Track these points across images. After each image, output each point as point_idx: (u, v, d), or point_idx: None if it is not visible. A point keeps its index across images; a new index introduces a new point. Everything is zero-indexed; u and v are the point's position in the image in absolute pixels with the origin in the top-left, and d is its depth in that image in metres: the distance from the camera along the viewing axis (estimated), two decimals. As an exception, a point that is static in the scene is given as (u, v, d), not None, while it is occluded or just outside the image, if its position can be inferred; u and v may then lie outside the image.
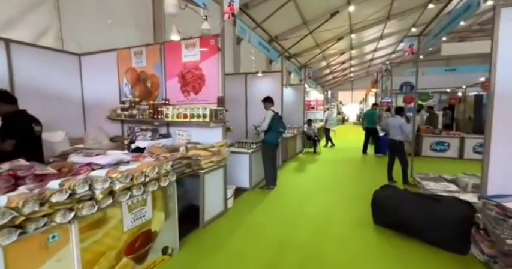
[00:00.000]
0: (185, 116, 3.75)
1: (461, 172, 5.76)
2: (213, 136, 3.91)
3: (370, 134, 9.16)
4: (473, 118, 10.04)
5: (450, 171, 6.77)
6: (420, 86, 9.21)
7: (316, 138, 9.33)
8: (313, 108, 14.37)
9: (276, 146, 5.24)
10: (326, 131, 10.53)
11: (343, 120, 26.24)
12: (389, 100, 12.75)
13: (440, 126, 10.05)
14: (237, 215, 3.94)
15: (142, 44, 4.42)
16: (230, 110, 7.74)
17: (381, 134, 9.05)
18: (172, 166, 2.77)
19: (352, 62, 24.89)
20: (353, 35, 17.83)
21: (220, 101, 3.80)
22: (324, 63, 22.88)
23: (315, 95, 14.25)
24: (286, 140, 7.82)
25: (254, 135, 6.36)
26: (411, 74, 8.57)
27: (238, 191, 4.90)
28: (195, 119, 3.69)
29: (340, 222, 3.72)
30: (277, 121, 4.94)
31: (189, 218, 3.37)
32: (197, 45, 3.93)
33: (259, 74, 6.82)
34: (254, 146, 5.18)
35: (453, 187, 4.72)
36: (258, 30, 7.76)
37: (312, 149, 9.46)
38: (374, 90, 14.59)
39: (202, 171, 3.32)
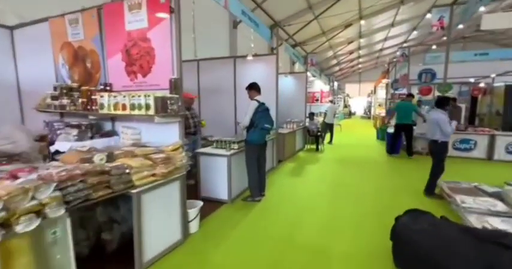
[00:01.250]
0: (123, 107, 2.55)
1: (498, 179, 4.47)
2: (170, 135, 2.72)
3: (403, 131, 7.20)
4: (502, 112, 8.56)
5: (481, 176, 5.46)
6: (441, 75, 7.81)
7: (319, 134, 8.05)
8: (317, 100, 13.01)
9: (263, 146, 4.01)
10: (329, 127, 9.21)
11: (350, 114, 24.71)
12: (403, 91, 11.30)
13: (462, 121, 8.63)
14: (199, 246, 2.77)
15: (78, 9, 3.20)
16: (215, 101, 6.62)
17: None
18: (63, 188, 1.60)
19: (361, 52, 23.17)
20: (362, 22, 16.17)
21: (174, 86, 2.58)
22: (330, 53, 21.28)
23: (319, 85, 12.84)
24: (283, 137, 6.58)
25: (243, 132, 5.15)
26: (432, 59, 7.16)
27: (214, 205, 3.74)
28: (136, 112, 2.49)
29: (344, 260, 2.52)
30: (261, 115, 3.71)
31: (128, 254, 2.24)
32: (143, 5, 2.69)
33: (249, 58, 5.55)
34: (236, 146, 3.98)
35: (500, 206, 3.44)
36: (259, 12, 6.42)
37: (314, 147, 8.20)
38: (385, 81, 13.10)
39: (134, 190, 2.15)
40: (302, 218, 3.49)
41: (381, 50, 24.29)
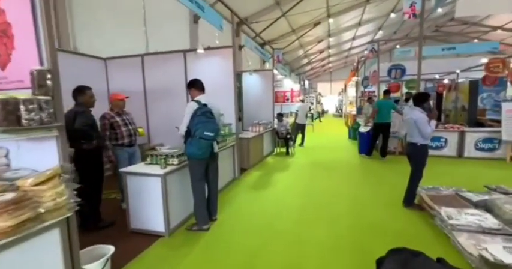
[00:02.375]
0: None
1: (475, 179, 3.97)
2: (45, 157, 1.75)
3: (381, 131, 6.58)
4: (467, 108, 8.39)
5: (456, 176, 5.03)
6: (409, 72, 7.43)
7: (288, 136, 7.32)
8: (288, 100, 12.36)
9: (212, 159, 3.13)
10: (300, 128, 8.54)
11: (323, 112, 24.55)
12: (372, 89, 10.96)
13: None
14: None
15: None
16: (165, 104, 5.59)
17: (363, 130, 7.17)
18: None
19: (331, 51, 23.05)
20: (331, 20, 15.84)
21: (38, 83, 1.62)
22: (301, 52, 20.88)
23: (289, 84, 12.21)
24: (247, 142, 5.74)
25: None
26: (402, 54, 6.71)
27: (147, 239, 2.80)
28: (-29, 125, 1.50)
29: None
30: (201, 120, 2.82)
31: None
32: (-10, -43, 1.70)
33: (200, 51, 4.64)
34: (175, 161, 3.06)
35: (490, 220, 2.86)
36: (221, 7, 5.44)
37: (284, 150, 7.46)
38: (354, 79, 12.76)
39: None
40: (263, 248, 2.66)
41: (350, 49, 24.39)
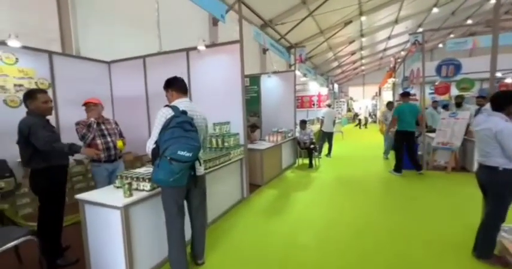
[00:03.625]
0: None
1: None
2: None
3: (405, 141, 5.40)
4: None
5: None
6: (466, 68, 5.97)
7: (312, 147, 6.26)
8: (314, 105, 11.25)
9: (192, 186, 2.26)
10: (327, 136, 7.41)
11: (354, 118, 22.74)
12: (412, 91, 9.41)
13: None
14: None
15: None
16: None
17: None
18: None
19: (363, 52, 21.35)
20: (363, 18, 14.45)
21: None
22: (330, 54, 19.53)
23: (315, 88, 11.12)
24: (260, 155, 4.84)
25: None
26: (455, 46, 5.33)
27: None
28: None
29: None
30: (174, 133, 1.94)
31: None
32: None
33: (200, 48, 3.89)
34: (147, 186, 2.27)
35: None
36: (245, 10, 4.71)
37: (307, 161, 6.41)
38: (391, 80, 11.24)
39: None
40: None
41: (385, 50, 22.44)
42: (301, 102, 11.67)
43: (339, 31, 14.57)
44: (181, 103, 2.17)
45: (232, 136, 3.82)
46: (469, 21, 18.06)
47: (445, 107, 6.96)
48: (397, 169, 5.46)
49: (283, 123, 6.54)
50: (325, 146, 7.63)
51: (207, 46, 3.98)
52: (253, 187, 4.74)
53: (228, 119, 4.01)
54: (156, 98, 4.64)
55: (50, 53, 4.13)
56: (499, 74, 8.17)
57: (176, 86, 2.25)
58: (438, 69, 5.41)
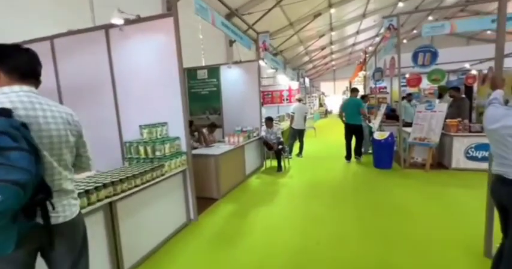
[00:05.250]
0: None
1: None
2: None
3: (353, 133, 5.90)
4: (513, 104, 6.34)
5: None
6: (442, 57, 5.45)
7: (280, 147, 5.42)
8: (286, 100, 10.48)
9: (30, 251, 1.17)
10: (298, 134, 6.63)
11: (326, 113, 22.53)
12: (383, 84, 8.97)
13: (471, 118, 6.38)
14: None
15: None
16: (90, 108, 3.16)
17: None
18: None
19: (333, 47, 21.06)
20: (332, 10, 13.91)
21: None
22: (301, 49, 18.94)
23: (284, 81, 10.35)
24: (215, 161, 3.87)
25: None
26: (432, 31, 4.72)
27: None
28: None
29: None
30: None
31: None
32: None
33: (115, 21, 2.82)
34: None
35: None
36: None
37: (275, 164, 5.55)
38: (361, 73, 10.77)
39: None
40: None
41: (354, 44, 22.36)
42: (272, 97, 10.85)
43: (309, 24, 13.90)
44: (9, 95, 1.13)
45: (168, 142, 2.81)
46: (430, 18, 18.33)
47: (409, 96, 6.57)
48: (347, 156, 5.97)
49: (247, 122, 5.62)
50: (296, 144, 6.86)
51: (128, 21, 2.91)
52: (208, 202, 3.78)
53: (164, 119, 3.00)
54: (72, 93, 3.47)
55: None
56: (467, 65, 7.92)
57: (5, 61, 1.19)
58: (415, 56, 4.80)
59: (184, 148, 3.05)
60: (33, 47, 3.07)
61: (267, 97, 10.79)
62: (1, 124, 0.98)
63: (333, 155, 6.89)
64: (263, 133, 5.52)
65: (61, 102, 3.54)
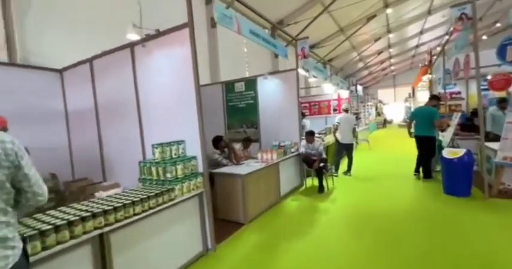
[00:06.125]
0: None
1: None
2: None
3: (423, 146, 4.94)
4: None
5: None
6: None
7: (322, 165, 4.74)
8: (335, 110, 9.60)
9: None
10: (345, 149, 5.80)
11: (385, 123, 20.24)
12: (456, 88, 7.45)
13: None
14: None
15: None
16: (117, 125, 3.06)
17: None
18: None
19: (392, 50, 19.06)
20: (389, 11, 12.60)
21: None
22: (354, 55, 17.64)
23: (331, 90, 9.51)
24: (242, 181, 3.47)
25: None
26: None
27: None
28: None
29: None
30: None
31: None
32: None
33: (130, 36, 2.73)
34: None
35: None
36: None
37: (317, 184, 4.87)
38: (427, 77, 9.21)
39: None
40: None
41: (417, 46, 19.87)
42: (319, 108, 10.09)
43: (362, 27, 12.81)
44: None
45: (181, 162, 2.55)
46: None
47: (502, 102, 4.87)
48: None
49: (285, 135, 5.14)
50: (344, 162, 6.02)
51: (149, 36, 2.82)
52: (232, 226, 3.39)
53: (182, 137, 2.77)
54: (106, 110, 3.58)
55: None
56: None
57: None
58: (501, 51, 3.66)
59: (201, 168, 2.75)
60: (76, 69, 3.22)
61: (314, 108, 10.08)
62: None
63: (390, 174, 5.81)
64: (302, 149, 4.94)
65: (97, 120, 3.68)
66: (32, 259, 1.42)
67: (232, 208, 3.51)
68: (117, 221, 1.89)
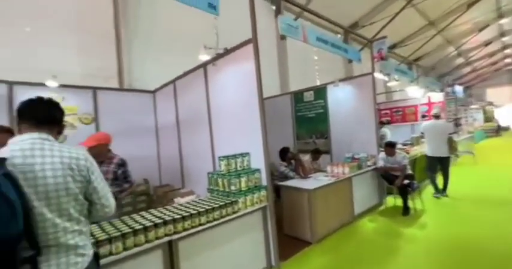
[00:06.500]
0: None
1: None
2: None
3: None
4: None
5: None
6: None
7: (407, 182, 4.03)
8: (424, 116, 8.22)
9: None
10: (436, 163, 4.79)
11: (498, 130, 16.11)
12: None
13: None
14: None
15: None
16: (191, 138, 3.70)
17: None
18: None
19: (506, 39, 15.29)
20: (504, 21, 10.29)
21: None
22: (450, 50, 14.94)
23: (419, 93, 8.14)
24: (308, 197, 3.27)
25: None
26: None
27: None
28: None
29: None
30: None
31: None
32: None
33: (202, 57, 2.94)
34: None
35: None
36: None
37: (400, 204, 4.16)
38: None
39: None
40: None
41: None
42: (403, 114, 8.83)
43: (460, 17, 10.73)
44: (16, 143, 1.13)
45: (245, 175, 2.57)
46: None
47: None
48: None
49: (360, 147, 4.65)
50: (439, 178, 4.99)
51: (219, 55, 3.02)
52: (298, 244, 3.20)
53: (247, 149, 2.82)
54: (185, 125, 4.01)
55: (94, 89, 4.24)
56: None
57: (18, 113, 1.22)
58: None
59: (264, 182, 2.71)
60: (164, 90, 3.77)
61: (396, 115, 8.88)
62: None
63: (504, 197, 4.48)
64: (381, 162, 4.34)
65: (178, 133, 4.15)
66: (110, 259, 1.64)
67: (298, 225, 3.33)
68: (184, 229, 2.02)
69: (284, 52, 8.06)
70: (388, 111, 9.10)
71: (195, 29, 5.04)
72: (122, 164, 2.74)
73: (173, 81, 4.15)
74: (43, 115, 1.21)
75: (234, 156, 2.71)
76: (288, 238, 3.35)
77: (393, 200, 4.53)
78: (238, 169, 2.71)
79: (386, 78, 5.91)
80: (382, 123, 7.38)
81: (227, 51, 2.99)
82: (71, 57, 4.55)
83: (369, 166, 4.37)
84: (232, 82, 3.01)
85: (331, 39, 3.89)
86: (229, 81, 3.07)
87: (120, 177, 2.68)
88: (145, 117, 4.78)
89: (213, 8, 2.33)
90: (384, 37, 4.95)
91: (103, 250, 1.63)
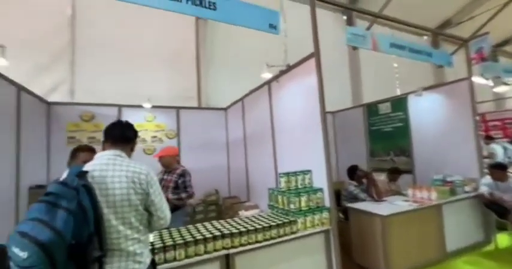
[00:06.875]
0: None
1: None
2: None
3: None
4: None
5: None
6: None
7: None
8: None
9: None
10: None
11: None
12: None
13: None
14: None
15: None
16: (257, 152, 3.97)
17: None
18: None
19: None
20: None
21: None
22: None
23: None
24: (382, 223, 2.84)
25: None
26: None
27: None
28: None
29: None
30: (30, 212, 1.06)
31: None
32: None
33: (265, 75, 2.99)
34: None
35: None
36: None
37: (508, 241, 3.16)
38: None
39: None
40: None
41: None
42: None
43: None
44: (98, 158, 1.39)
45: (306, 194, 2.45)
46: None
47: None
48: None
49: (454, 168, 3.84)
50: None
51: (282, 72, 3.07)
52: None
53: (309, 167, 2.71)
54: (251, 140, 4.18)
55: (178, 108, 4.92)
56: None
57: (105, 132, 1.51)
58: None
59: (327, 203, 2.52)
60: (234, 107, 4.12)
61: (510, 127, 7.01)
62: (58, 189, 1.13)
63: None
64: (484, 188, 3.43)
65: (245, 149, 4.34)
66: (174, 264, 1.79)
67: (370, 254, 2.92)
68: (241, 244, 2.05)
69: (357, 62, 7.59)
70: (498, 123, 7.29)
71: (261, 48, 5.34)
72: (183, 174, 2.99)
73: (241, 99, 4.42)
74: (119, 135, 1.48)
75: (295, 173, 2.63)
76: (358, 267, 2.97)
77: (507, 239, 3.49)
78: (299, 186, 2.61)
79: (491, 83, 4.76)
80: (490, 139, 5.96)
81: (289, 67, 3.01)
82: (161, 83, 5.46)
83: (466, 192, 3.53)
84: (295, 97, 3.00)
85: (409, 43, 3.44)
86: (291, 97, 3.06)
87: (180, 186, 2.94)
88: (218, 132, 5.21)
89: (273, 28, 2.42)
90: (486, 33, 4.04)
91: (168, 255, 1.80)
